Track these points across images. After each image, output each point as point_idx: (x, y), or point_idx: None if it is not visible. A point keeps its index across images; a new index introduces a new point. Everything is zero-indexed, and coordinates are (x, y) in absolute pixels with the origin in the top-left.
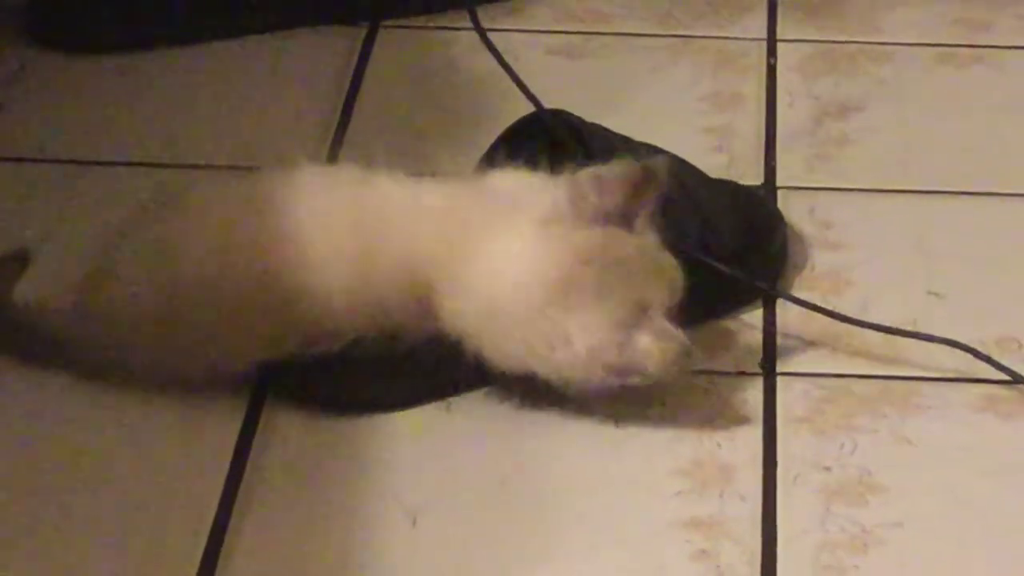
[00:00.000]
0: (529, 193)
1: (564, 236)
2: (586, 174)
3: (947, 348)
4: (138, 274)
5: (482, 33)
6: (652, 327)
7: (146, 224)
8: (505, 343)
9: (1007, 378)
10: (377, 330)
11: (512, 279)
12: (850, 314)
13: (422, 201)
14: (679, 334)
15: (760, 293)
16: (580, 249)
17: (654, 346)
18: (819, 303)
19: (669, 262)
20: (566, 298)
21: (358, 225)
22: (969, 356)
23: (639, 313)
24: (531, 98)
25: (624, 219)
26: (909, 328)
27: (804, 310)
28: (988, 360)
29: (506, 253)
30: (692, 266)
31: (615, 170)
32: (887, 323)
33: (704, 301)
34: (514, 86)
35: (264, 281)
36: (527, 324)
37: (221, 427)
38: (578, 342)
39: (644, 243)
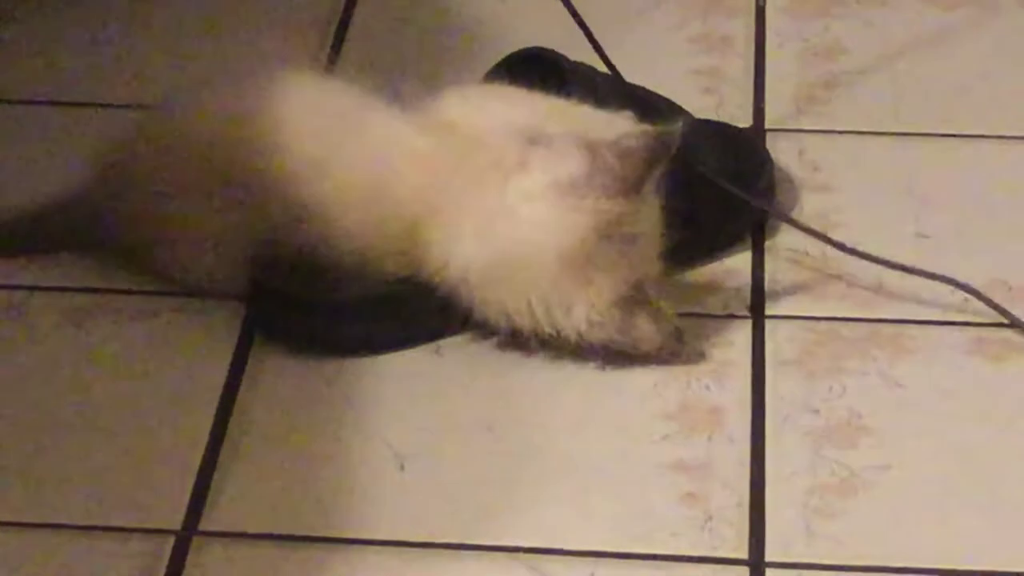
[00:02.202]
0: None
1: (584, 206)
2: (607, 143)
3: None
4: (141, 162)
5: None
6: (649, 308)
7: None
8: (507, 302)
9: (996, 321)
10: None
11: (528, 243)
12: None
13: (424, 141)
14: (673, 315)
15: (748, 233)
16: (600, 222)
17: (651, 327)
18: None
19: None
20: (578, 270)
21: (356, 153)
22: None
23: (638, 288)
24: (607, 63)
25: (636, 187)
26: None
27: (793, 253)
28: (987, 301)
29: (524, 216)
30: (681, 210)
31: (637, 139)
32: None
33: (693, 244)
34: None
35: (248, 165)
36: (535, 288)
37: (209, 369)
38: (581, 315)
39: (652, 215)
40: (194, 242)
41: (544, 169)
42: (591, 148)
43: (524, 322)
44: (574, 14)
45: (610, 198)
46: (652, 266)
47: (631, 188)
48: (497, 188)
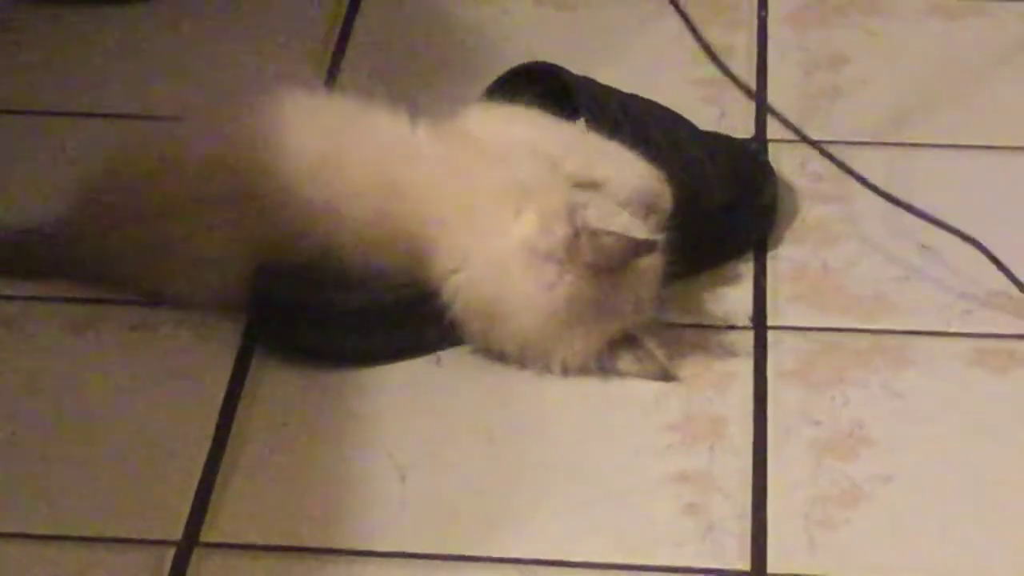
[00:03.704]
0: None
1: (557, 275)
2: (586, 231)
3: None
4: (133, 184)
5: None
6: (635, 347)
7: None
8: (491, 336)
9: (998, 332)
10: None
11: (508, 294)
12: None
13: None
14: (659, 356)
15: (750, 245)
16: (565, 299)
17: (635, 367)
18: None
19: (658, 264)
20: (556, 327)
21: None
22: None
23: (622, 336)
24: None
25: (612, 273)
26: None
27: (794, 265)
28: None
29: (508, 267)
30: (683, 220)
31: (614, 239)
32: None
33: (694, 254)
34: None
35: (251, 171)
36: (516, 333)
37: (209, 380)
38: (555, 362)
39: (634, 282)
40: (194, 261)
41: (533, 230)
42: (575, 229)
43: (508, 354)
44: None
45: (586, 279)
46: (643, 314)
47: (606, 274)
48: (502, 220)
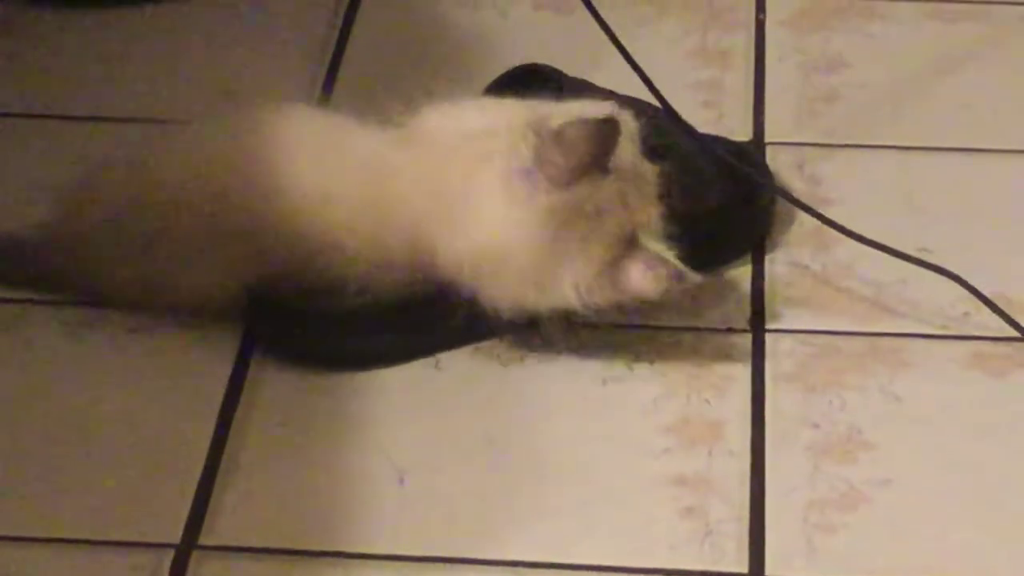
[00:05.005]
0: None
1: (534, 197)
2: (548, 133)
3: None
4: (118, 198)
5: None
6: (642, 255)
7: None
8: (502, 291)
9: (997, 335)
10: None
11: (497, 238)
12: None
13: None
14: (669, 257)
15: (748, 248)
16: (550, 212)
17: (645, 276)
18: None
19: (650, 177)
20: (549, 254)
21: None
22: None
23: (627, 243)
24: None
25: (587, 172)
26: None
27: (792, 268)
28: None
29: (488, 212)
30: (679, 222)
31: (575, 128)
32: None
33: (692, 256)
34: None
35: (243, 207)
36: (521, 276)
37: (208, 382)
38: (568, 288)
39: (620, 182)
40: (190, 276)
41: (498, 165)
42: (536, 140)
43: (526, 307)
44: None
45: (560, 188)
46: (644, 215)
47: (580, 175)
48: (468, 187)
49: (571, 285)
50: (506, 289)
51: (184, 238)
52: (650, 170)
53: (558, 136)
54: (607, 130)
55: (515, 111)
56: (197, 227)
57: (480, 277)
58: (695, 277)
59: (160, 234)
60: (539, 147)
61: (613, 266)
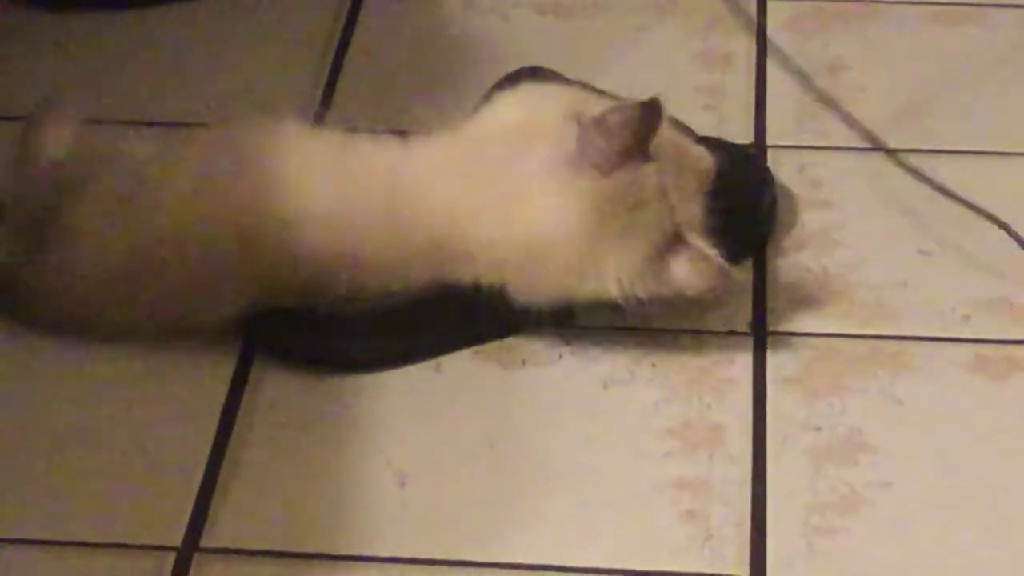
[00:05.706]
0: (535, 130)
1: (578, 185)
2: (590, 120)
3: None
4: (105, 229)
5: None
6: (687, 250)
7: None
8: (543, 283)
9: (998, 338)
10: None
11: (541, 231)
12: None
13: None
14: (714, 254)
15: (750, 251)
16: (595, 200)
17: (690, 271)
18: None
19: (698, 159)
20: (593, 243)
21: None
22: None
23: (672, 236)
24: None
25: (629, 158)
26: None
27: (794, 270)
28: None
29: (534, 201)
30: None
31: (620, 113)
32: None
33: None
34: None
35: (240, 234)
36: (563, 267)
37: (209, 386)
38: (611, 279)
39: (663, 170)
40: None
41: (540, 155)
42: (579, 128)
43: (569, 299)
44: None
45: (604, 175)
46: (689, 212)
47: (623, 160)
48: (510, 178)
49: (614, 277)
50: (548, 280)
51: (183, 277)
52: (693, 161)
53: (600, 122)
54: (649, 113)
55: (554, 101)
56: (198, 265)
57: (521, 269)
58: (739, 273)
59: (158, 274)
60: (582, 134)
61: (658, 260)
